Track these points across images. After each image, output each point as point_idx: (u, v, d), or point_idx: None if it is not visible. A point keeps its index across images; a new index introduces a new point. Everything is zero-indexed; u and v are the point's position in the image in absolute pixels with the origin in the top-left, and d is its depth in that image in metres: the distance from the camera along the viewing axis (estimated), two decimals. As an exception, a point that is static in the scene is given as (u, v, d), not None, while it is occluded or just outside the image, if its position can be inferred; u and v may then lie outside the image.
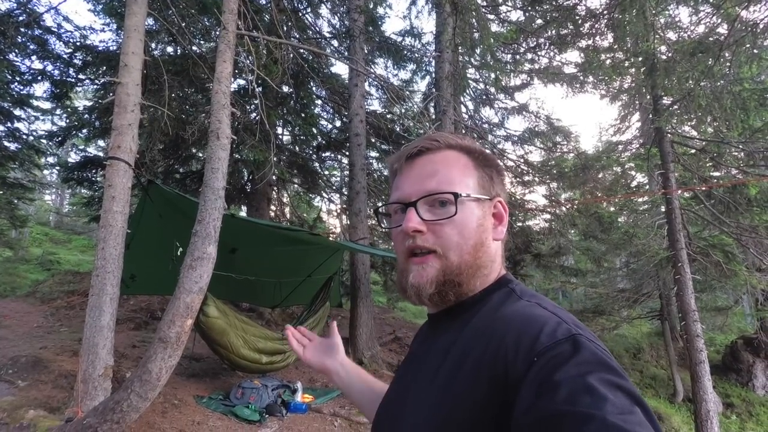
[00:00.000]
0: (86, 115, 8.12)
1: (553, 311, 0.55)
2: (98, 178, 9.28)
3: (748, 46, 4.64)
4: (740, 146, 6.15)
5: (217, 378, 5.70)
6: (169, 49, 8.28)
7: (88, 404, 3.26)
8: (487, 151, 0.70)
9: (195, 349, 5.76)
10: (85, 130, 8.67)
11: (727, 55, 4.32)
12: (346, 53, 8.99)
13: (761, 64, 4.57)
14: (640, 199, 10.55)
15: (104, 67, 7.56)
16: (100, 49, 7.48)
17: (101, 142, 12.64)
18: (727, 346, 10.76)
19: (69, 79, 7.87)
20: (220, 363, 5.60)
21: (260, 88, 8.36)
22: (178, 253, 4.32)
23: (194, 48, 6.41)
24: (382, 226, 0.73)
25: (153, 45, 7.54)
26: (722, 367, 10.42)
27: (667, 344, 9.96)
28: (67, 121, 9.23)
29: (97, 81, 7.90)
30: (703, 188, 6.10)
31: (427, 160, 0.67)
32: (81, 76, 8.02)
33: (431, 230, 0.63)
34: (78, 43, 7.67)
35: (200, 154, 10.95)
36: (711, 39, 4.86)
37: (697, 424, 5.62)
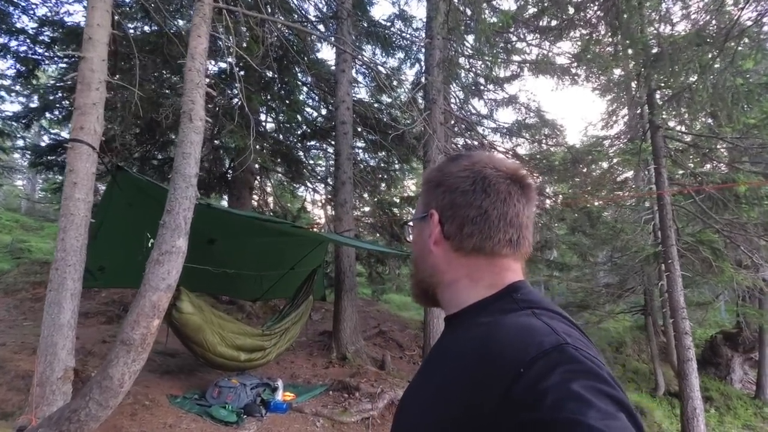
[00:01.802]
0: (52, 95, 7.61)
1: (544, 321, 0.56)
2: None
3: (746, 40, 4.53)
4: (734, 142, 6.09)
5: (193, 375, 5.43)
6: (147, 29, 7.82)
7: (45, 410, 2.98)
8: (434, 169, 0.77)
9: (169, 344, 5.46)
10: (56, 112, 8.18)
11: (731, 45, 4.19)
12: (332, 39, 8.66)
13: (765, 56, 4.47)
14: (626, 193, 10.54)
15: (74, 45, 7.07)
16: (68, 24, 6.97)
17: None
18: (706, 341, 10.93)
19: (35, 57, 7.36)
20: (197, 359, 5.33)
21: (243, 72, 7.99)
22: (149, 245, 4.01)
23: (170, 25, 6.01)
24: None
25: (130, 25, 7.09)
26: (701, 361, 10.56)
27: (650, 339, 10.05)
28: (39, 101, 8.69)
29: (65, 59, 7.39)
30: (695, 189, 6.00)
31: None
32: (49, 54, 7.51)
33: None
34: (44, 18, 7.15)
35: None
36: (709, 30, 4.74)
37: (683, 421, 5.61)
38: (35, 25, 7.16)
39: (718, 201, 6.52)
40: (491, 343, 0.56)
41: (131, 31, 6.89)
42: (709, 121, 6.66)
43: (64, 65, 8.13)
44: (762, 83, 4.64)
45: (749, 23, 4.12)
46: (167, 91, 7.28)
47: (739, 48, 4.53)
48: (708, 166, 9.01)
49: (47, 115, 8.21)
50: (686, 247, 6.34)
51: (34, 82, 8.17)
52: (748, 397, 9.89)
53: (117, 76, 4.80)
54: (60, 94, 7.80)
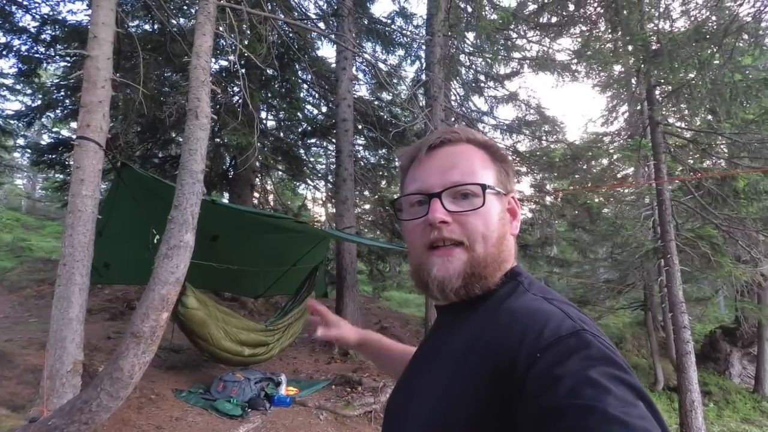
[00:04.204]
0: (55, 94, 7.64)
1: (558, 306, 0.55)
2: (70, 162, 8.81)
3: (745, 36, 4.57)
4: (733, 138, 6.15)
5: (197, 370, 5.49)
6: (147, 27, 7.84)
7: (56, 402, 3.03)
8: (490, 140, 0.70)
9: (174, 340, 5.51)
10: (58, 111, 8.20)
11: (729, 41, 4.23)
12: (333, 36, 8.69)
13: (764, 52, 4.50)
14: (626, 190, 10.59)
15: (76, 43, 7.09)
16: (70, 22, 6.99)
17: (74, 124, 12.02)
18: (706, 336, 11.00)
19: (37, 55, 7.39)
20: (201, 354, 5.39)
21: (243, 70, 8.01)
22: (155, 241, 4.06)
23: (173, 22, 6.04)
24: (399, 218, 0.73)
25: (131, 22, 7.11)
26: (700, 356, 10.64)
27: (650, 334, 10.11)
28: (41, 100, 8.72)
29: (67, 57, 7.41)
30: (695, 178, 6.06)
31: (447, 152, 0.67)
32: (50, 52, 7.53)
33: (457, 221, 0.63)
34: (46, 17, 7.16)
35: (180, 139, 10.53)
36: (708, 26, 4.78)
37: (682, 414, 5.68)
38: (37, 24, 7.17)
39: (718, 196, 6.58)
40: (503, 328, 0.54)
41: (133, 29, 6.92)
42: (709, 117, 6.70)
43: (65, 63, 8.15)
44: (760, 79, 4.68)
45: (748, 19, 4.16)
46: (168, 90, 7.31)
47: (738, 44, 4.57)
48: (707, 162, 9.06)
49: (49, 113, 8.24)
50: (685, 242, 6.40)
51: (36, 80, 8.20)
52: (747, 391, 9.96)
53: (118, 73, 4.84)
54: (62, 93, 7.83)
